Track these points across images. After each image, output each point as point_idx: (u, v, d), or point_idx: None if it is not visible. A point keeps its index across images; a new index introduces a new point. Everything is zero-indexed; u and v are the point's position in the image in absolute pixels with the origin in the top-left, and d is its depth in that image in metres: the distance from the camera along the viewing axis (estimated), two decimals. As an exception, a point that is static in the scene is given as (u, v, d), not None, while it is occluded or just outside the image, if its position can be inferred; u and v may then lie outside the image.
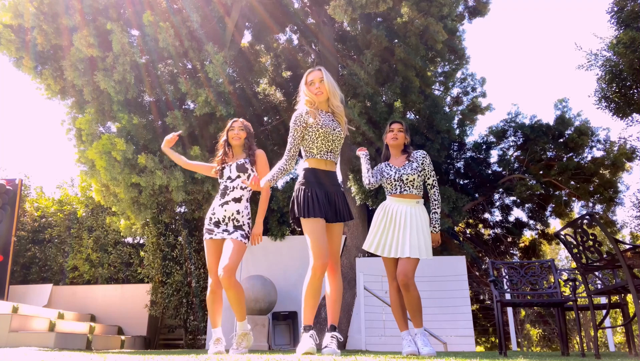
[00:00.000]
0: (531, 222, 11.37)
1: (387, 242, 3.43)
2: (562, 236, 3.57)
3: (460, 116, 10.01)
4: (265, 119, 9.82)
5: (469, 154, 10.73)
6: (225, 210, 3.40)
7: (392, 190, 3.57)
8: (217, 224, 3.41)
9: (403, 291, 3.39)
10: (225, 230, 3.38)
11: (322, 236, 2.86)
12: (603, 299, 6.13)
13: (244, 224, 3.43)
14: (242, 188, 3.45)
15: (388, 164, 3.66)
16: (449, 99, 10.51)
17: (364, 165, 3.65)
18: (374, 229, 3.53)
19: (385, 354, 3.19)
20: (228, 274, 3.23)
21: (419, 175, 3.53)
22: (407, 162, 3.61)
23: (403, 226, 3.42)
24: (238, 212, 3.43)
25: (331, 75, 3.18)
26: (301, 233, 3.10)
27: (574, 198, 9.87)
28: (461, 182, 10.56)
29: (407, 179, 3.52)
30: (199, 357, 2.88)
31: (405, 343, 3.40)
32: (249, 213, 3.51)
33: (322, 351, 2.85)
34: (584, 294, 4.64)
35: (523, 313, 15.64)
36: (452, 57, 9.42)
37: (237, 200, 3.43)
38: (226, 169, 3.49)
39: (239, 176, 3.45)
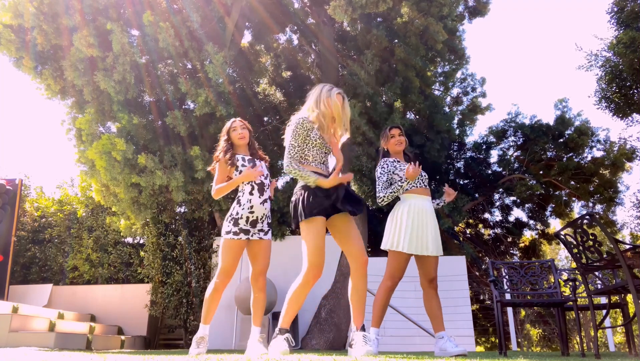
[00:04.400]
0: (531, 222, 11.38)
1: (423, 240, 3.41)
2: (562, 236, 3.57)
3: (460, 116, 10.01)
4: (265, 119, 9.83)
5: (469, 154, 10.74)
6: (265, 208, 3.38)
7: (414, 184, 3.55)
8: (254, 223, 3.33)
9: (433, 295, 3.43)
10: (261, 230, 3.36)
11: (321, 242, 2.77)
12: (603, 300, 6.13)
13: (270, 222, 3.47)
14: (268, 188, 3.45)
15: (397, 160, 3.62)
16: (449, 99, 10.51)
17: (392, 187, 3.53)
18: (409, 229, 3.41)
19: (385, 354, 3.19)
20: (265, 278, 3.32)
21: None
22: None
23: (428, 223, 3.47)
24: (269, 210, 3.45)
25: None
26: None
27: (574, 198, 9.88)
28: (461, 182, 10.56)
29: (424, 175, 3.59)
30: (198, 357, 2.88)
31: (376, 341, 3.41)
32: None
33: (353, 352, 2.83)
34: (584, 294, 4.64)
35: (523, 313, 15.65)
36: (452, 57, 9.42)
37: (269, 199, 3.44)
38: (259, 162, 3.44)
39: (267, 176, 3.46)
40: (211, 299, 3.32)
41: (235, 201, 3.38)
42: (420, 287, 3.54)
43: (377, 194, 3.54)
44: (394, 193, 3.45)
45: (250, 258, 3.41)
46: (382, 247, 3.53)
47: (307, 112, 3.01)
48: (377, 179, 3.60)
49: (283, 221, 8.82)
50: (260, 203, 3.34)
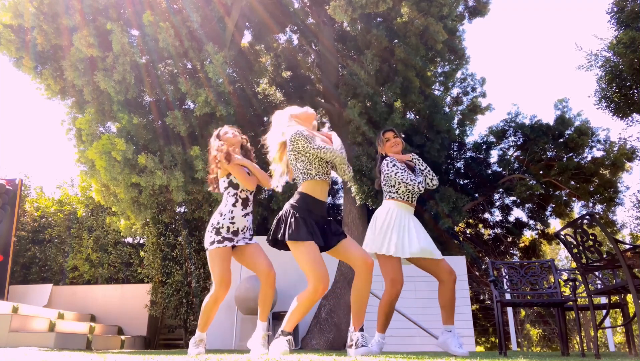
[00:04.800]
0: (531, 222, 11.38)
1: (414, 244, 3.38)
2: (562, 236, 3.57)
3: (460, 116, 10.01)
4: (265, 119, 9.82)
5: (469, 154, 10.74)
6: (247, 220, 3.41)
7: (404, 196, 3.53)
8: (235, 233, 3.35)
9: (451, 287, 3.40)
10: (245, 238, 3.38)
11: (319, 258, 2.80)
12: (603, 300, 6.13)
13: (252, 234, 3.50)
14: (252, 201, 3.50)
15: (404, 168, 3.59)
16: (449, 99, 10.51)
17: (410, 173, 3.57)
18: (395, 231, 3.40)
19: (385, 354, 3.19)
20: (274, 272, 3.31)
21: None
22: (414, 172, 3.62)
23: (416, 228, 3.44)
24: (250, 223, 3.47)
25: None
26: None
27: (574, 198, 9.88)
28: (461, 182, 10.56)
29: (419, 189, 3.53)
30: (198, 357, 2.88)
31: (379, 344, 3.40)
32: None
33: (352, 352, 2.83)
34: (584, 294, 4.64)
35: (523, 313, 15.64)
36: (452, 57, 9.41)
37: (251, 212, 3.48)
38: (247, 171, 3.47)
39: (252, 191, 3.48)
40: (210, 310, 3.31)
41: (217, 212, 3.38)
42: (436, 280, 3.50)
43: (415, 180, 3.47)
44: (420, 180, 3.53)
45: (249, 263, 3.36)
46: (369, 250, 3.47)
47: (290, 128, 3.08)
48: (398, 174, 3.48)
49: (283, 221, 8.81)
50: (242, 216, 3.36)
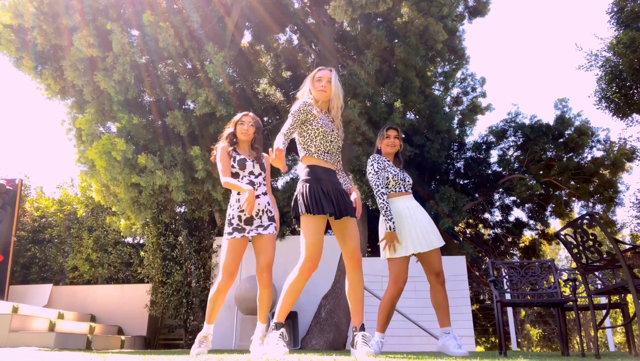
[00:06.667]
0: (531, 222, 11.39)
1: (415, 239, 3.39)
2: (562, 236, 3.57)
3: (460, 116, 10.01)
4: (266, 119, 9.83)
5: (469, 154, 10.74)
6: (259, 203, 3.38)
7: (395, 188, 3.55)
8: (249, 221, 3.33)
9: (440, 289, 3.40)
10: (260, 225, 3.36)
11: (320, 238, 2.81)
12: (603, 300, 6.13)
13: (273, 215, 3.46)
14: (264, 184, 3.47)
15: (388, 161, 3.64)
16: (449, 99, 10.51)
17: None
18: (398, 232, 3.40)
19: (385, 354, 3.19)
20: (270, 273, 3.29)
21: None
22: (400, 168, 3.68)
23: (418, 219, 3.45)
24: (269, 203, 3.45)
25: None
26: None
27: (574, 198, 9.88)
28: (461, 182, 10.56)
29: (407, 180, 3.60)
30: (198, 357, 2.88)
31: (378, 344, 3.39)
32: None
33: (352, 352, 2.83)
34: (584, 294, 4.64)
35: (523, 313, 15.65)
36: (452, 57, 9.42)
37: (265, 193, 3.45)
38: (249, 162, 3.44)
39: (260, 174, 3.47)
40: (215, 300, 3.31)
41: (229, 205, 3.43)
42: (428, 282, 3.52)
43: (379, 191, 3.43)
44: (380, 205, 3.45)
45: (255, 254, 3.39)
46: (382, 258, 3.50)
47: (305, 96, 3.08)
48: (372, 182, 3.49)
49: (283, 222, 8.81)
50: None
